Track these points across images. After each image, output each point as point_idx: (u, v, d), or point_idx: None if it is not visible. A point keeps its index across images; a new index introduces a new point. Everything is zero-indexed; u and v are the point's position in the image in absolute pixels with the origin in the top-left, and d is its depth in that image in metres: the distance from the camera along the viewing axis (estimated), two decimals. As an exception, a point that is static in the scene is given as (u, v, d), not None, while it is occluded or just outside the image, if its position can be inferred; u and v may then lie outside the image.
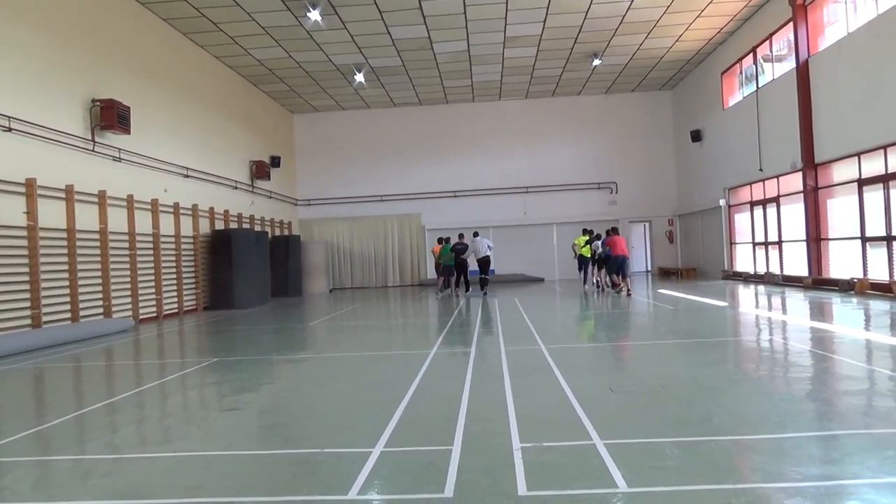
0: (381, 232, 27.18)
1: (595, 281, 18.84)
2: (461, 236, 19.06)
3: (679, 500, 3.24)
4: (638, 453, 3.95)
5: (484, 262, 18.72)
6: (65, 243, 12.35)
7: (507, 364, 7.21)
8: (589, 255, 18.66)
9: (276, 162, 24.00)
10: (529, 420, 4.79)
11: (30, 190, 11.35)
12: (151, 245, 15.47)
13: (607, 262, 17.62)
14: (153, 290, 15.45)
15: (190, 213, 17.48)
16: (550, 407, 5.23)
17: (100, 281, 13.35)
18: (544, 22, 18.28)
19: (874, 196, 14.22)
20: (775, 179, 18.67)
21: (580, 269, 19.66)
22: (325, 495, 3.49)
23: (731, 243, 22.19)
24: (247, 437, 4.88)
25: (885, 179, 13.80)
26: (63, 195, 12.33)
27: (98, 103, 13.36)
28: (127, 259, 14.40)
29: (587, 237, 19.14)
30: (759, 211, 20.05)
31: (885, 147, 13.66)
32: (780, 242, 18.73)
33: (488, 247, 18.81)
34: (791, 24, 16.73)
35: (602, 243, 17.93)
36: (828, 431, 4.31)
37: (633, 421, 4.72)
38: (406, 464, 3.97)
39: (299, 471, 3.92)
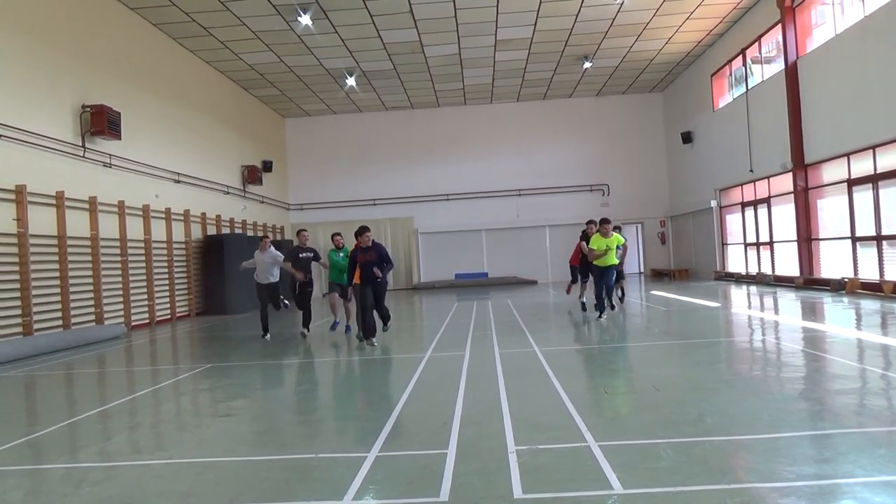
0: (374, 236, 26.97)
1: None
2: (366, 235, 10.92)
3: (674, 500, 3.24)
4: (632, 455, 3.96)
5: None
6: (55, 250, 12.27)
7: (502, 366, 7.22)
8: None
9: (267, 166, 23.93)
10: (524, 422, 4.80)
11: (19, 197, 11.27)
12: (143, 251, 15.39)
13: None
14: (145, 297, 15.36)
15: (182, 218, 17.40)
16: (545, 409, 5.23)
17: (91, 287, 13.26)
18: (535, 25, 18.33)
19: (864, 196, 14.32)
20: (766, 180, 18.77)
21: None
22: (321, 501, 3.48)
23: (723, 244, 22.29)
24: (241, 443, 4.85)
25: (874, 179, 13.90)
26: (53, 202, 12.25)
27: (88, 109, 13.28)
28: (118, 265, 14.31)
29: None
30: (750, 212, 20.15)
31: (873, 147, 13.77)
32: (771, 243, 18.83)
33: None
34: (780, 25, 16.85)
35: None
36: (821, 431, 4.33)
37: (628, 422, 4.73)
38: (401, 468, 3.96)
39: (294, 476, 3.90)
